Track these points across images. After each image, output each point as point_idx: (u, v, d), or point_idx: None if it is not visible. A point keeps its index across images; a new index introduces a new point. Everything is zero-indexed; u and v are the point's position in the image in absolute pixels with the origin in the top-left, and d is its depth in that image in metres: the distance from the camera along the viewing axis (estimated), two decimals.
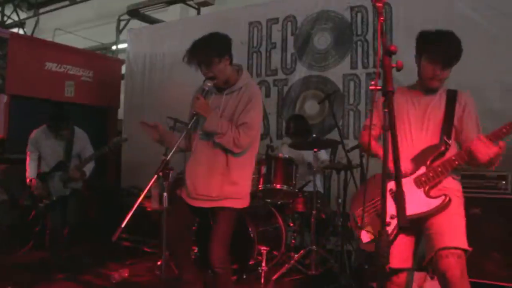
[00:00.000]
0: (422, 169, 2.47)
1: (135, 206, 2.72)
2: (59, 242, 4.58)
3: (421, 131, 2.58)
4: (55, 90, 7.09)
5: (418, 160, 2.51)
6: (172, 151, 2.90)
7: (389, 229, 2.40)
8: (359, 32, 5.54)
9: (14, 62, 6.45)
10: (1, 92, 6.39)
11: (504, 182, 3.96)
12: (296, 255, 4.40)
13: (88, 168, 4.62)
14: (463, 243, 2.33)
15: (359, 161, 4.51)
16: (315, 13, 5.83)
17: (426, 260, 2.42)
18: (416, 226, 2.49)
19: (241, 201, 3.10)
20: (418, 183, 2.47)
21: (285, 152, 4.88)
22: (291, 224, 4.71)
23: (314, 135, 4.51)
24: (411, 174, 2.49)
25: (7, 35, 6.51)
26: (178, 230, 3.14)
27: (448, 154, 2.48)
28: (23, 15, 12.27)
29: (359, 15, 5.54)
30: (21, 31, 11.66)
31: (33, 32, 11.79)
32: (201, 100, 2.98)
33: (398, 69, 1.80)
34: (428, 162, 2.47)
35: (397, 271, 2.54)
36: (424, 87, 2.63)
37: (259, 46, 6.27)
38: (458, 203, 2.49)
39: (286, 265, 4.36)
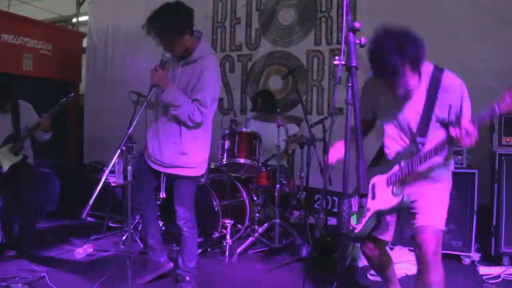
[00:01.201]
0: (395, 168, 2.50)
1: (101, 181, 2.73)
2: (10, 221, 4.44)
3: (401, 126, 2.54)
4: (12, 63, 6.87)
5: (394, 160, 2.54)
6: (133, 124, 2.95)
7: (368, 213, 2.56)
8: (323, 9, 5.58)
9: None
10: None
11: (460, 157, 4.13)
12: (260, 228, 4.49)
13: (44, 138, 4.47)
14: (438, 223, 2.43)
15: (321, 136, 4.62)
16: None
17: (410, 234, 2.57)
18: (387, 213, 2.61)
19: (194, 170, 3.30)
20: (389, 181, 2.53)
21: (251, 127, 4.94)
22: (255, 198, 4.79)
23: (278, 110, 4.55)
24: (386, 172, 2.56)
25: None
26: (144, 191, 3.39)
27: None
28: None
29: None
30: None
31: None
32: (159, 72, 3.03)
33: (362, 46, 1.86)
34: (401, 163, 2.47)
35: (375, 239, 2.70)
36: None
37: (223, 21, 6.24)
38: (440, 188, 2.51)
39: (250, 238, 4.45)
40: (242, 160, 4.44)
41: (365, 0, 5.20)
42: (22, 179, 4.34)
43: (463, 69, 4.63)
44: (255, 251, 4.47)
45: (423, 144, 2.45)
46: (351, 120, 1.87)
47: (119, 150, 2.86)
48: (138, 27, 6.59)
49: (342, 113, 5.23)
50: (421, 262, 2.41)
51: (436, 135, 2.43)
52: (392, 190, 2.49)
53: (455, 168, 3.99)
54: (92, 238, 4.81)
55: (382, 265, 2.89)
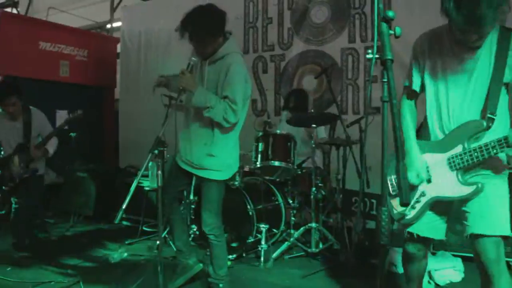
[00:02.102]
0: (458, 148, 2.17)
1: (133, 186, 2.71)
2: (25, 227, 4.52)
3: (462, 95, 2.19)
4: (49, 70, 7.01)
5: (455, 135, 2.20)
6: (164, 128, 2.91)
7: (423, 199, 2.28)
8: (357, 5, 5.41)
9: (6, 41, 6.34)
10: None
11: None
12: (295, 233, 4.37)
13: (52, 145, 4.50)
14: (501, 229, 2.12)
15: (358, 136, 4.46)
16: None
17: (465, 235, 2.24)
18: (445, 205, 2.31)
19: (220, 173, 3.21)
20: (452, 164, 2.19)
21: (284, 128, 4.83)
22: (291, 201, 4.66)
23: (312, 111, 4.43)
24: (446, 151, 2.22)
25: None
26: (170, 193, 3.35)
27: (493, 133, 2.12)
28: None
29: None
30: (14, 11, 11.46)
31: (26, 12, 11.59)
32: (186, 75, 3.02)
33: (396, 36, 1.69)
34: (465, 142, 2.15)
35: (423, 240, 2.37)
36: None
37: (255, 21, 6.14)
38: (500, 183, 2.20)
39: (286, 242, 4.33)
40: (276, 163, 4.33)
41: None
42: (29, 188, 4.44)
43: None
44: (291, 256, 4.34)
45: (493, 120, 2.11)
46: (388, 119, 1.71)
47: (150, 154, 2.82)
48: (169, 31, 6.79)
49: (379, 112, 5.05)
50: (483, 273, 2.16)
51: (503, 106, 2.14)
52: (458, 177, 2.17)
53: None
54: (126, 242, 4.80)
55: (420, 273, 2.51)
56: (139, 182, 2.86)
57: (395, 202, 2.37)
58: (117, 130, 7.68)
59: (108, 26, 9.05)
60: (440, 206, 2.30)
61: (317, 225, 4.32)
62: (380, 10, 1.71)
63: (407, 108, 2.42)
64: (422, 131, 2.43)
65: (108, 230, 5.52)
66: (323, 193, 4.55)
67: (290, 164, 4.36)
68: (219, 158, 3.18)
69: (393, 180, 2.40)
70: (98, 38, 8.48)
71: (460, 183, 2.17)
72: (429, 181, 2.28)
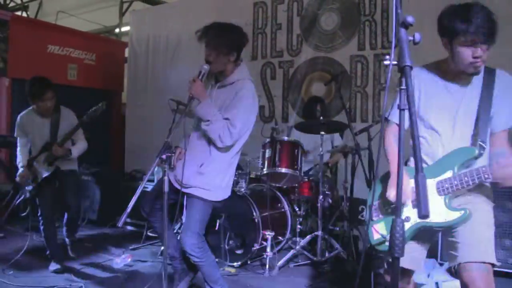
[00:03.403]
0: (448, 174, 2.14)
1: (139, 190, 2.69)
2: (53, 229, 4.27)
3: (453, 124, 2.21)
4: (57, 73, 6.99)
5: (445, 162, 2.18)
6: (171, 134, 2.85)
7: (407, 224, 2.15)
8: (367, 12, 5.38)
9: (15, 44, 6.36)
10: (3, 75, 6.31)
11: None
12: (302, 241, 4.31)
13: (78, 147, 4.33)
14: (489, 257, 2.07)
15: (367, 144, 4.40)
16: None
17: (450, 266, 2.22)
18: (430, 234, 2.26)
19: (208, 193, 3.05)
20: (440, 189, 2.14)
21: (296, 135, 4.82)
22: (297, 209, 4.61)
23: (321, 118, 4.38)
24: (435, 176, 2.18)
25: (8, 17, 6.41)
26: (151, 203, 3.21)
27: (482, 160, 2.14)
28: None
29: None
30: (24, 15, 11.55)
31: (36, 15, 11.69)
32: (197, 83, 2.94)
33: (415, 43, 1.62)
34: (455, 167, 2.13)
35: (404, 271, 2.28)
36: (461, 71, 2.17)
37: (264, 27, 6.13)
38: (487, 210, 2.19)
39: (292, 250, 4.27)
40: (283, 170, 4.28)
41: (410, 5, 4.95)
42: (67, 186, 4.32)
43: None
44: (297, 264, 4.28)
45: (484, 148, 2.12)
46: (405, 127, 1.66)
47: (157, 159, 2.78)
48: (177, 36, 6.79)
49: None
50: None
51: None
52: (446, 202, 2.10)
53: None
54: (130, 247, 4.77)
55: None
56: (144, 187, 2.83)
57: (378, 226, 2.29)
58: (124, 134, 7.67)
59: (117, 30, 9.08)
60: (424, 235, 2.22)
61: (323, 233, 4.26)
62: (399, 15, 1.64)
63: (392, 136, 2.38)
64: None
65: (112, 235, 5.48)
66: (330, 201, 4.50)
67: (297, 171, 4.31)
68: (209, 177, 3.06)
69: (377, 204, 2.35)
70: (106, 42, 8.51)
71: (447, 209, 2.10)
72: (415, 206, 2.16)
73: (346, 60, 5.50)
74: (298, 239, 4.42)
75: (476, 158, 2.11)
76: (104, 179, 6.12)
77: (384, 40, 5.24)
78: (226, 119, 2.95)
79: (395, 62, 1.66)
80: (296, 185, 4.57)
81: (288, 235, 4.52)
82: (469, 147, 2.15)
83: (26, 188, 4.18)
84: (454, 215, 2.07)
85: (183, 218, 3.40)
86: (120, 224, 2.64)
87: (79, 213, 4.69)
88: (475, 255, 2.06)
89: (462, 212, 2.06)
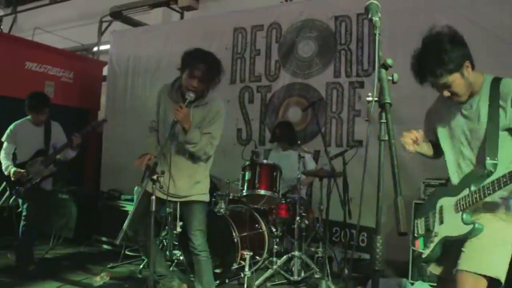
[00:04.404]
0: (465, 192, 2.30)
1: (134, 208, 2.89)
2: (34, 233, 4.67)
3: (467, 145, 2.40)
4: (34, 90, 6.96)
5: (465, 181, 2.36)
6: (157, 154, 3.16)
7: (436, 239, 2.41)
8: (343, 41, 5.63)
9: None
10: None
11: None
12: (278, 261, 4.44)
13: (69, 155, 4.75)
14: (484, 269, 2.17)
15: (341, 168, 4.60)
16: (300, 22, 5.91)
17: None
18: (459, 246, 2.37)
19: (206, 196, 3.52)
20: (458, 206, 2.33)
21: (273, 158, 4.99)
22: (274, 230, 4.75)
23: (299, 142, 4.57)
24: (456, 195, 2.37)
25: None
26: (141, 221, 3.35)
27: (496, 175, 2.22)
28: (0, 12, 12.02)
29: (343, 24, 5.64)
30: None
31: (10, 30, 11.55)
32: (185, 110, 3.14)
33: (394, 82, 1.84)
34: (472, 186, 2.28)
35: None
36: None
37: (243, 52, 6.31)
38: (500, 225, 2.27)
39: (269, 270, 4.39)
40: (262, 192, 4.43)
41: (385, 33, 5.23)
42: (37, 200, 4.59)
43: None
44: (274, 283, 4.41)
45: (495, 165, 2.24)
46: (382, 156, 1.83)
47: (148, 179, 2.93)
48: (158, 58, 6.91)
49: (361, 145, 5.23)
50: None
51: (509, 150, 2.26)
52: (462, 217, 2.28)
53: None
54: (109, 266, 4.79)
55: None
56: (121, 206, 2.93)
57: (417, 242, 2.56)
58: (100, 153, 7.67)
59: (95, 49, 9.11)
60: (454, 248, 2.37)
61: (300, 253, 4.41)
62: (380, 58, 1.84)
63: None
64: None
65: (89, 253, 5.48)
66: (306, 222, 4.65)
67: (275, 193, 4.47)
68: (203, 183, 3.51)
69: (418, 223, 2.59)
70: (84, 61, 8.52)
71: (462, 223, 2.28)
72: (441, 222, 2.41)
73: (322, 87, 5.72)
74: (275, 259, 4.55)
75: (487, 176, 2.24)
76: (81, 197, 6.12)
77: (359, 68, 5.49)
78: (208, 133, 3.31)
79: (377, 99, 1.87)
80: (274, 206, 4.71)
81: (265, 255, 4.64)
82: (477, 169, 2.33)
83: (20, 187, 4.49)
84: (467, 228, 2.25)
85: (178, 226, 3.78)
86: (118, 240, 2.75)
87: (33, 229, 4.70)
88: (471, 264, 2.20)
89: (471, 225, 2.23)
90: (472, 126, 2.37)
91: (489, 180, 2.20)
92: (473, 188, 2.25)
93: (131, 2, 8.10)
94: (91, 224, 5.83)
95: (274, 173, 4.52)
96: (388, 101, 1.82)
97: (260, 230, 4.68)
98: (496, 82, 2.29)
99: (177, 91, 3.37)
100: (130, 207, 5.28)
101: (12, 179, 4.48)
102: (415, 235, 2.59)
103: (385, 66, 1.87)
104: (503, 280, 2.18)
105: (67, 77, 7.61)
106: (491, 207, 2.32)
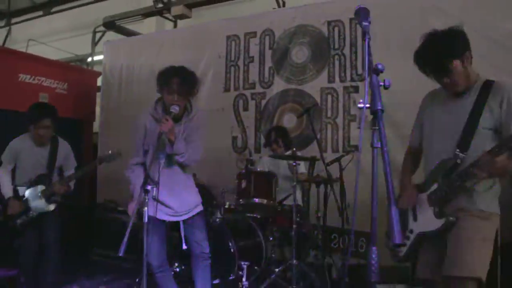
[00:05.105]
0: (435, 186, 2.34)
1: (131, 221, 2.89)
2: (30, 264, 4.16)
3: (445, 140, 2.41)
4: (29, 102, 6.82)
5: (434, 174, 2.38)
6: (151, 166, 3.15)
7: (412, 236, 2.42)
8: (336, 46, 5.60)
9: None
10: None
11: None
12: (277, 270, 4.38)
13: (72, 180, 4.29)
14: (469, 271, 2.18)
15: (337, 174, 4.56)
16: (293, 27, 5.87)
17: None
18: (440, 239, 2.38)
19: (201, 204, 3.58)
20: (430, 200, 2.35)
21: (266, 163, 4.93)
22: (271, 238, 4.69)
23: (294, 149, 4.52)
24: (427, 189, 2.39)
25: None
26: (161, 253, 3.49)
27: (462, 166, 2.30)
28: None
29: (336, 29, 5.61)
30: None
31: (4, 43, 11.55)
32: (170, 122, 3.17)
33: (386, 87, 1.80)
34: (440, 179, 2.32)
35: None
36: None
37: (237, 59, 6.28)
38: (478, 225, 2.27)
39: (267, 280, 4.34)
40: (258, 200, 4.38)
41: (378, 38, 5.20)
42: (49, 222, 4.15)
43: None
44: None
45: (463, 158, 2.27)
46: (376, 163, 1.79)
47: (141, 190, 2.92)
48: (151, 67, 6.86)
49: (357, 149, 5.19)
50: None
51: (482, 147, 2.27)
52: (435, 212, 2.30)
53: None
54: (105, 279, 4.73)
55: None
56: (118, 217, 2.91)
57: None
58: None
59: (89, 59, 9.09)
60: (431, 241, 2.39)
61: (298, 262, 4.35)
62: (371, 63, 1.80)
63: (410, 159, 2.69)
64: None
65: (85, 267, 5.41)
66: (303, 230, 4.60)
67: (271, 202, 4.42)
68: (197, 191, 3.64)
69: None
70: (79, 72, 8.48)
71: (434, 217, 2.30)
72: (415, 219, 2.41)
73: (317, 92, 5.68)
74: (273, 268, 4.50)
75: (455, 167, 2.28)
76: (75, 209, 6.05)
77: (353, 73, 5.46)
78: (194, 141, 3.38)
79: (368, 105, 1.83)
80: (271, 214, 4.66)
81: (263, 264, 4.59)
82: (446, 159, 2.34)
83: (17, 220, 4.02)
84: (439, 223, 2.26)
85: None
86: (121, 253, 2.78)
87: (58, 253, 4.33)
88: (453, 269, 2.20)
89: (445, 219, 2.25)
90: (452, 121, 2.40)
91: (457, 171, 2.25)
92: (441, 180, 2.27)
93: (124, 12, 8.07)
94: (86, 236, 5.77)
95: (270, 181, 4.47)
96: (380, 107, 1.78)
97: (257, 239, 4.63)
98: (488, 84, 2.34)
99: (162, 112, 3.42)
100: (126, 219, 5.21)
101: (8, 212, 3.99)
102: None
103: (377, 72, 1.83)
104: (484, 278, 2.20)
105: (62, 89, 7.56)
106: (466, 205, 2.32)
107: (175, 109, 3.22)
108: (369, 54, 1.87)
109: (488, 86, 2.34)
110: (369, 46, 1.91)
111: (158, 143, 3.15)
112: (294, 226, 4.36)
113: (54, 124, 4.21)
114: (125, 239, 2.76)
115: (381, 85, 1.83)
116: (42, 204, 4.06)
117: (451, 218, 2.25)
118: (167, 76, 3.28)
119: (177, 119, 3.38)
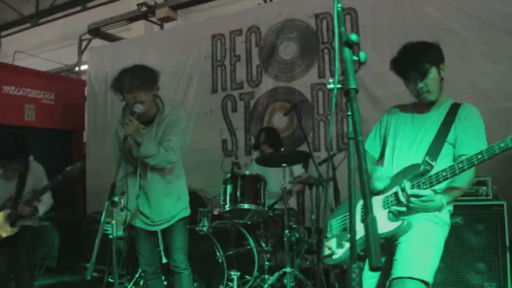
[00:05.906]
0: (394, 189, 2.25)
1: (98, 239, 2.73)
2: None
3: (409, 151, 2.40)
4: (14, 114, 6.78)
5: (396, 178, 2.30)
6: (119, 175, 2.98)
7: (347, 245, 2.26)
8: (325, 40, 5.36)
9: None
10: None
11: (484, 187, 3.77)
12: (270, 278, 4.12)
13: (44, 203, 4.07)
14: (420, 273, 2.09)
15: (332, 174, 4.30)
16: (280, 23, 5.63)
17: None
18: (388, 247, 2.29)
19: (187, 210, 3.32)
20: (385, 203, 2.27)
21: (256, 168, 4.67)
22: (264, 245, 4.43)
23: (282, 149, 4.27)
24: (385, 192, 2.31)
25: None
26: (154, 260, 3.34)
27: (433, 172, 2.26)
28: None
29: (324, 22, 5.36)
30: None
31: None
32: (134, 123, 2.95)
33: (361, 62, 1.52)
34: (403, 183, 2.22)
35: None
36: (424, 103, 2.46)
37: (223, 59, 6.04)
38: (430, 230, 2.23)
39: None
40: (246, 205, 4.13)
41: (368, 28, 4.96)
42: (21, 242, 3.98)
43: (478, 92, 4.38)
44: None
45: (432, 166, 2.24)
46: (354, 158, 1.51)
47: (107, 202, 2.84)
48: None
49: None
50: None
51: (445, 161, 2.28)
52: (388, 215, 2.22)
53: (480, 200, 3.69)
54: None
55: None
56: (105, 230, 2.78)
57: (330, 242, 2.42)
58: (85, 175, 7.39)
59: (76, 68, 8.91)
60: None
61: (292, 269, 4.08)
62: (342, 34, 1.52)
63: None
64: None
65: (73, 283, 5.20)
66: (297, 235, 4.34)
67: (260, 206, 4.16)
68: (184, 196, 3.34)
69: (333, 223, 2.48)
70: (65, 81, 8.33)
71: (388, 220, 2.22)
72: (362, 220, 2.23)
73: (307, 89, 5.43)
74: (266, 276, 4.23)
75: (422, 173, 2.22)
76: (63, 223, 5.84)
77: (335, 59, 5.21)
78: (168, 140, 3.11)
79: (340, 86, 1.55)
80: (261, 220, 4.40)
81: (255, 273, 4.32)
82: (415, 163, 2.28)
83: None
84: (393, 225, 2.18)
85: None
86: (88, 276, 2.73)
87: (31, 275, 4.22)
88: (403, 271, 2.10)
89: (399, 222, 2.17)
90: (420, 133, 2.41)
91: (425, 177, 2.20)
92: (406, 184, 2.18)
93: (109, 17, 7.85)
94: (75, 251, 5.54)
95: (258, 185, 4.21)
96: (354, 86, 1.47)
97: (248, 247, 4.37)
98: (456, 105, 2.41)
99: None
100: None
101: None
102: (328, 235, 2.47)
103: (349, 44, 1.54)
104: (431, 282, 2.13)
105: (48, 99, 7.39)
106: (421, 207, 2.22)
107: (138, 108, 2.97)
108: (340, 25, 1.58)
109: (455, 107, 2.40)
110: (340, 15, 1.62)
111: (123, 148, 2.92)
112: (287, 231, 4.10)
113: (25, 158, 4.06)
114: (93, 260, 2.65)
115: (355, 60, 1.53)
116: (6, 228, 3.93)
117: (406, 221, 2.17)
118: (119, 78, 3.07)
119: (148, 122, 3.16)
